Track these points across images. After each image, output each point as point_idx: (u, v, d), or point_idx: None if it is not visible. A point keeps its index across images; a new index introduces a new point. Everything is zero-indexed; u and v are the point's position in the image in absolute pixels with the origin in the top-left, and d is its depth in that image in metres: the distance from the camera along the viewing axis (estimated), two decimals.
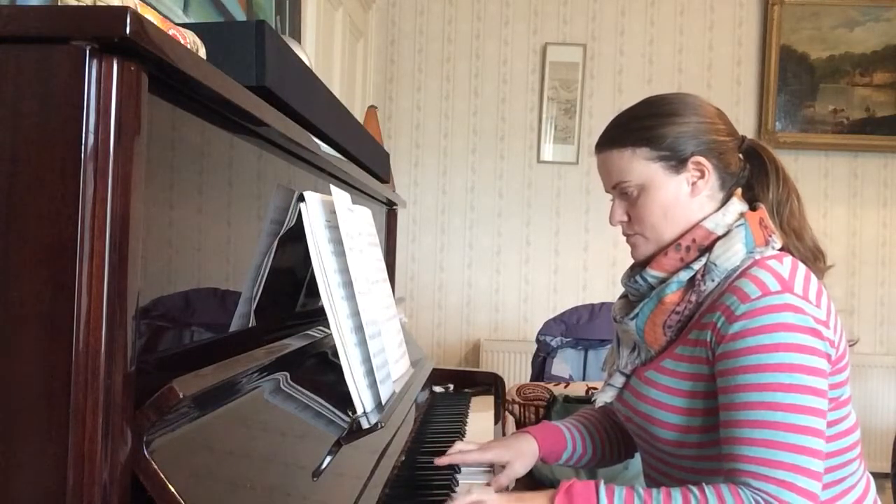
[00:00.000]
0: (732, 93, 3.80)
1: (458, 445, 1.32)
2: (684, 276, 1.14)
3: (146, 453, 0.63)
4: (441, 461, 1.28)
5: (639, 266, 1.23)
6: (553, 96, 3.81)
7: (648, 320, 1.17)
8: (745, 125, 3.78)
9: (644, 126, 1.17)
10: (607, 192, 1.24)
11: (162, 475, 0.63)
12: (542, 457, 1.35)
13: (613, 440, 1.40)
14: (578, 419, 1.43)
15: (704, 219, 1.16)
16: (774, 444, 1.01)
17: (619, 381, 1.25)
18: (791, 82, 3.76)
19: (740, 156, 1.21)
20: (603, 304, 2.96)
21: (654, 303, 1.16)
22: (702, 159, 1.16)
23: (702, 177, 1.16)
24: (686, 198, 1.17)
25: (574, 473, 2.03)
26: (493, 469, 1.33)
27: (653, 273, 1.18)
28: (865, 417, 3.61)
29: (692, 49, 3.82)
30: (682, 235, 1.16)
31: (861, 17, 3.73)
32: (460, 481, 1.29)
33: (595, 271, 3.83)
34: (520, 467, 1.31)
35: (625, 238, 1.23)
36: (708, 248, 1.14)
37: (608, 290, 3.74)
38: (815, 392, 1.03)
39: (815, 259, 1.20)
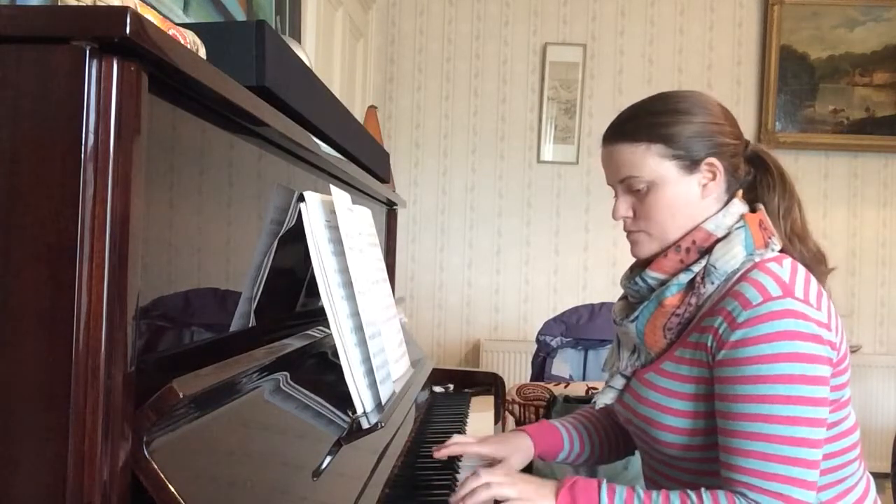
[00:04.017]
0: (732, 93, 3.80)
1: (456, 438, 1.31)
2: (684, 278, 1.14)
3: (146, 453, 0.63)
4: (440, 452, 1.27)
5: (638, 267, 1.22)
6: (553, 96, 3.81)
7: (648, 323, 1.16)
8: (745, 125, 3.77)
9: (661, 122, 1.15)
10: (610, 185, 1.22)
11: (162, 475, 0.63)
12: (539, 454, 1.35)
13: (612, 438, 1.40)
14: (577, 418, 1.43)
15: (705, 220, 1.15)
16: (771, 456, 1.01)
17: (619, 382, 1.24)
18: (791, 82, 3.76)
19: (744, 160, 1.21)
20: (603, 304, 2.96)
21: (653, 305, 1.16)
22: (715, 161, 1.15)
23: (713, 179, 1.16)
24: (696, 199, 1.16)
25: (574, 472, 2.03)
26: (492, 465, 1.33)
27: (652, 275, 1.17)
28: (865, 417, 3.61)
29: (692, 49, 3.82)
30: (682, 237, 1.16)
31: (861, 17, 3.73)
32: (460, 481, 1.29)
33: (595, 271, 3.83)
34: (516, 462, 1.31)
35: (626, 234, 1.21)
36: (708, 250, 1.13)
37: (608, 290, 3.73)
38: (814, 402, 1.02)
39: (818, 263, 1.19)
